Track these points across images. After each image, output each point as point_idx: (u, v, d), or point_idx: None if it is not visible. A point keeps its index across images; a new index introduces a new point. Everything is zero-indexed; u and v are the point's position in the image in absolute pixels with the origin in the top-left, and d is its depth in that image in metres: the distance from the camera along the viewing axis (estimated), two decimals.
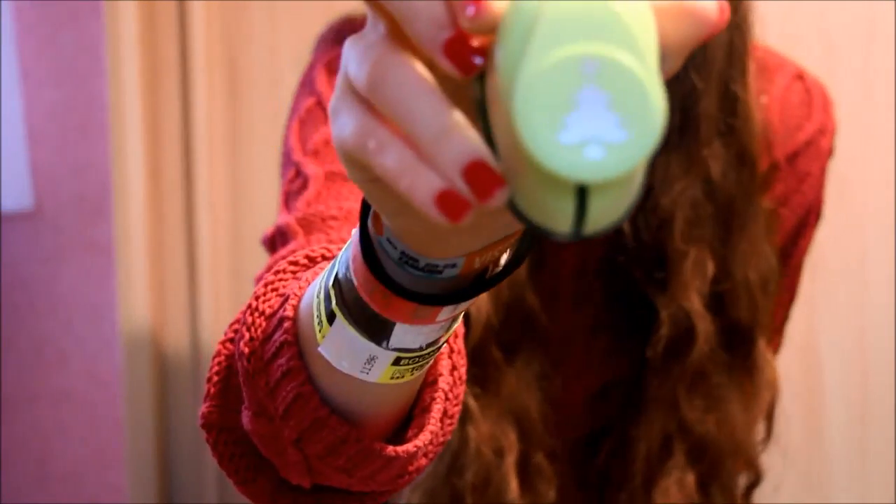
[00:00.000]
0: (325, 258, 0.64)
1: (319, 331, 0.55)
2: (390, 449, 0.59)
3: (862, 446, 1.48)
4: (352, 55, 0.43)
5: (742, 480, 1.00)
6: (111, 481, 1.53)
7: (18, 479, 1.53)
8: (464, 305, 0.52)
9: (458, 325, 0.62)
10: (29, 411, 1.52)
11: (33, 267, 1.50)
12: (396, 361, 0.54)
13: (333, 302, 0.53)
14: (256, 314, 0.61)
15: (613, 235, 0.91)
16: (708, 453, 0.95)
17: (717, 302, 0.93)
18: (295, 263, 0.64)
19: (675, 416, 0.94)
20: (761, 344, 0.96)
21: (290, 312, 0.58)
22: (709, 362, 0.93)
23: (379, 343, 0.53)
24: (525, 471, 0.95)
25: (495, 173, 0.40)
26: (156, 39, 1.44)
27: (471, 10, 0.39)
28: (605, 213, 0.39)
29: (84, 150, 1.48)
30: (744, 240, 0.93)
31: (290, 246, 0.77)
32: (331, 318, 0.54)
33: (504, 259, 0.52)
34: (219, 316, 1.48)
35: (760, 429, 1.01)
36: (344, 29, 0.96)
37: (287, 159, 0.91)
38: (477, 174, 0.40)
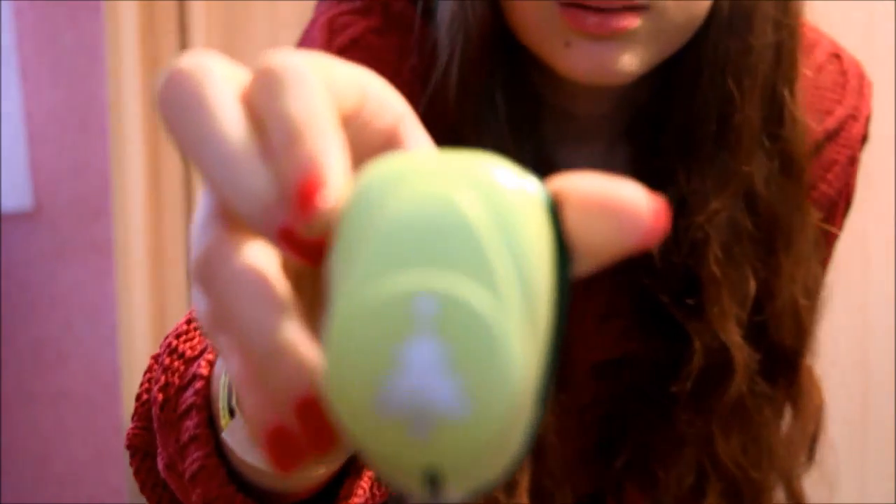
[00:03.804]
0: None
1: (223, 417, 0.48)
2: None
3: (862, 446, 1.48)
4: (196, 220, 0.35)
5: None
6: (111, 481, 1.53)
7: (18, 479, 1.53)
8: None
9: None
10: (29, 411, 1.52)
11: (33, 267, 1.50)
12: None
13: (234, 400, 0.46)
14: (175, 356, 0.54)
15: (640, 253, 0.85)
16: (745, 491, 0.89)
17: (760, 328, 0.87)
18: None
19: (709, 454, 0.87)
20: (807, 368, 0.90)
21: (204, 370, 0.51)
22: (748, 395, 0.87)
23: None
24: (540, 492, 0.91)
25: (330, 422, 0.31)
26: (156, 39, 1.44)
27: (303, 210, 0.30)
28: (467, 485, 0.30)
29: (84, 150, 1.48)
30: (790, 259, 0.86)
31: None
32: (233, 412, 0.46)
33: None
34: None
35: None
36: None
37: None
38: (311, 417, 0.31)
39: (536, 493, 0.90)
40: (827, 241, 0.96)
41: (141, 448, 0.59)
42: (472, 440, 0.28)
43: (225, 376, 0.48)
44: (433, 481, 0.29)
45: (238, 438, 0.47)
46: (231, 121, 0.33)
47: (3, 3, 1.44)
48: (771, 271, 0.86)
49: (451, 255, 0.29)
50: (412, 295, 0.28)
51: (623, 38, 0.77)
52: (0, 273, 1.49)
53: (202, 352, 0.54)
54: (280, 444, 0.32)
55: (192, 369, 0.52)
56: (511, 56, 0.83)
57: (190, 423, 0.51)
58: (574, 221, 0.32)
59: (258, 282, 0.32)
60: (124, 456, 1.50)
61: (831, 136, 0.92)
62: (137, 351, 1.46)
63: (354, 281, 0.29)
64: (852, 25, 1.41)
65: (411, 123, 0.37)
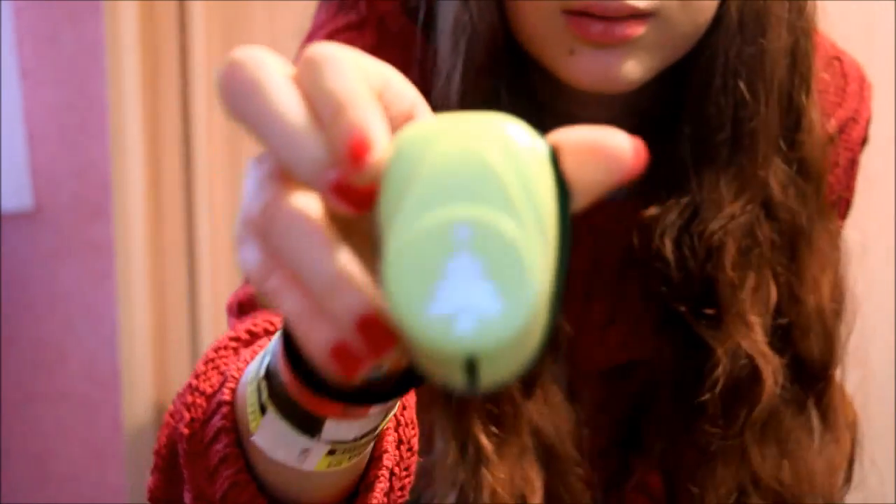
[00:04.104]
0: (267, 332, 0.63)
1: (253, 420, 0.53)
2: None
3: (862, 446, 1.48)
4: (248, 185, 0.41)
5: None
6: (111, 481, 1.53)
7: (18, 479, 1.53)
8: (396, 401, 0.50)
9: (408, 395, 0.60)
10: (29, 411, 1.52)
11: (33, 267, 1.50)
12: (331, 452, 0.52)
13: (265, 395, 0.51)
14: (197, 394, 0.59)
15: (655, 263, 0.82)
16: None
17: (786, 336, 0.84)
18: (236, 339, 0.63)
19: (746, 469, 0.84)
20: (836, 379, 0.87)
21: (227, 396, 0.57)
22: (781, 404, 0.84)
23: (311, 436, 0.51)
24: (553, 495, 0.89)
25: (388, 330, 0.37)
26: (156, 39, 1.44)
27: (354, 164, 0.37)
28: (498, 373, 0.37)
29: (84, 150, 1.48)
30: (814, 263, 0.84)
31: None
32: (263, 409, 0.52)
33: None
34: (219, 316, 1.48)
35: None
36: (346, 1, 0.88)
37: None
38: (369, 330, 0.38)
39: (550, 498, 0.88)
40: None
41: (162, 499, 0.64)
42: (503, 332, 0.35)
43: (252, 383, 0.53)
44: (471, 370, 0.36)
45: (268, 436, 0.52)
46: (287, 98, 0.40)
47: (2, 3, 1.44)
48: (794, 277, 0.84)
49: (480, 193, 0.36)
50: (451, 223, 0.36)
51: (627, 45, 0.77)
52: (0, 273, 1.49)
53: (221, 385, 0.58)
54: (343, 356, 0.38)
55: (216, 399, 0.57)
56: (515, 63, 0.82)
57: (219, 446, 0.56)
58: (570, 164, 0.39)
59: (316, 223, 0.39)
60: (124, 456, 1.49)
61: (832, 138, 0.91)
62: (137, 351, 1.46)
63: (405, 216, 0.36)
64: (852, 25, 1.41)
65: (423, 108, 0.44)
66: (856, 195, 1.42)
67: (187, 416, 0.59)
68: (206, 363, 0.61)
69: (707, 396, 0.82)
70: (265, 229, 0.40)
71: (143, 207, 1.44)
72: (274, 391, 0.51)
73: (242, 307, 0.75)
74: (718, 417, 0.83)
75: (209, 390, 0.59)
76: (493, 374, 0.37)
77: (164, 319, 1.48)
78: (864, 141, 0.94)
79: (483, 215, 0.36)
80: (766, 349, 0.81)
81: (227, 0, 1.44)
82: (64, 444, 1.53)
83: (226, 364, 0.61)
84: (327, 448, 0.52)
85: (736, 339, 0.81)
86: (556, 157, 0.39)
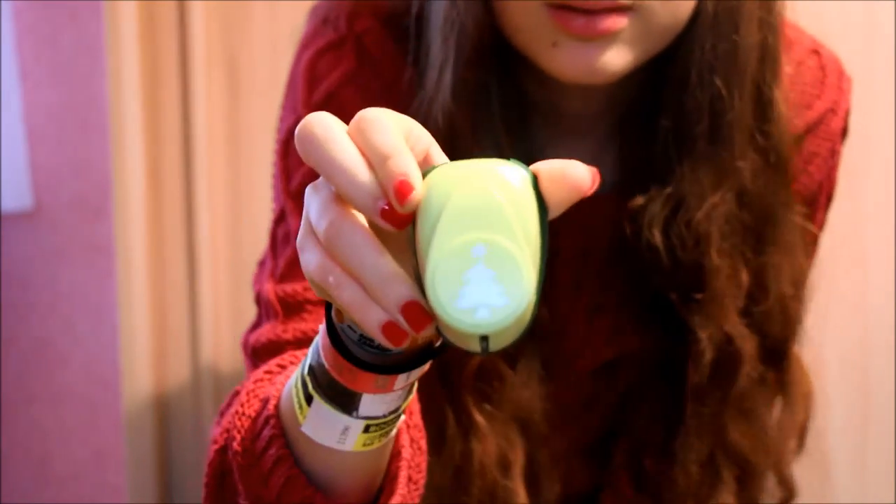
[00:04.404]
0: (292, 363, 0.78)
1: (300, 413, 0.66)
2: None
3: (862, 446, 1.48)
4: (312, 206, 0.56)
5: (775, 497, 0.97)
6: (111, 481, 1.53)
7: (18, 479, 1.53)
8: (415, 374, 0.62)
9: (413, 402, 0.75)
10: (29, 411, 1.52)
11: (33, 267, 1.50)
12: (366, 429, 0.65)
13: (310, 386, 0.64)
14: (244, 418, 0.72)
15: (645, 252, 0.88)
16: (751, 475, 0.92)
17: (754, 318, 0.90)
18: (269, 372, 0.77)
19: (721, 441, 0.91)
20: (796, 357, 0.92)
21: (272, 411, 0.70)
22: (754, 384, 0.90)
23: (350, 413, 0.64)
24: (532, 471, 0.94)
25: (426, 312, 0.52)
26: (156, 39, 1.44)
27: (400, 200, 0.52)
28: (503, 341, 0.53)
29: (84, 150, 1.48)
30: (779, 250, 0.89)
31: (269, 328, 0.87)
32: (309, 400, 0.65)
33: None
34: (219, 316, 1.48)
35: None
36: (329, 16, 0.92)
37: (275, 186, 0.92)
38: (412, 313, 0.53)
39: (531, 479, 0.93)
40: (811, 234, 0.97)
41: None
42: (508, 319, 0.51)
43: (296, 385, 0.66)
44: (484, 341, 0.52)
45: (314, 422, 0.65)
46: (348, 147, 0.55)
47: (2, 3, 1.44)
48: (762, 264, 0.89)
49: (490, 223, 0.52)
50: (472, 244, 0.52)
51: (609, 38, 0.80)
52: (0, 273, 1.49)
53: (264, 406, 0.71)
54: (392, 331, 0.53)
55: (262, 416, 0.71)
56: (503, 59, 0.85)
57: (272, 451, 0.70)
58: (545, 187, 0.54)
59: (371, 235, 0.54)
60: (125, 456, 1.49)
61: (811, 129, 0.93)
62: (138, 351, 1.47)
63: (439, 240, 0.52)
64: (852, 25, 1.41)
65: (436, 149, 0.58)
66: (855, 197, 1.42)
67: (238, 436, 0.72)
68: (248, 393, 0.74)
69: (694, 378, 0.89)
70: (330, 239, 0.54)
71: (143, 207, 1.44)
72: (317, 382, 0.64)
73: (257, 354, 0.86)
74: (700, 396, 0.90)
75: (253, 413, 0.72)
76: (499, 342, 0.53)
77: (164, 319, 1.48)
78: (844, 132, 0.96)
79: (493, 238, 0.52)
80: (744, 330, 0.89)
81: (227, 0, 1.44)
82: (64, 445, 1.53)
83: (264, 392, 0.74)
84: (363, 425, 0.64)
85: (719, 321, 0.88)
86: (536, 182, 0.54)
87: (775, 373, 0.92)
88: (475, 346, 0.53)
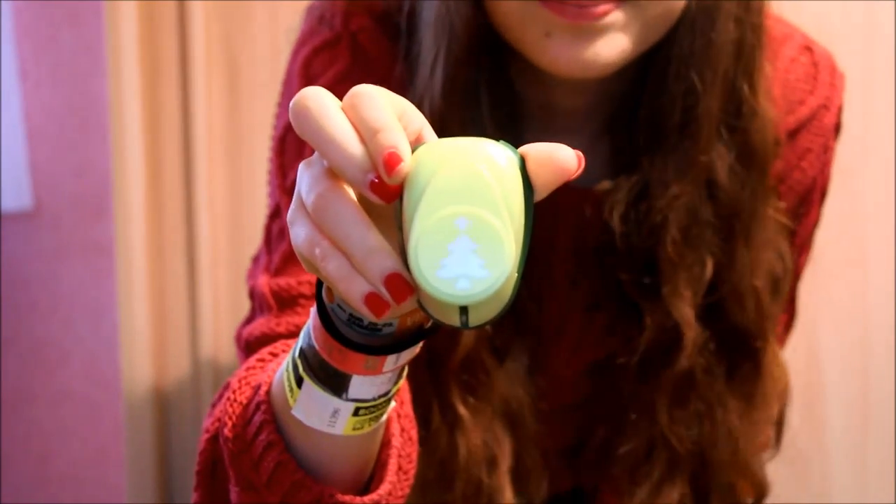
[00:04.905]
0: (284, 352, 0.78)
1: (291, 396, 0.66)
2: (358, 500, 0.70)
3: (862, 446, 1.48)
4: (303, 180, 0.57)
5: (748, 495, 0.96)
6: (111, 481, 1.53)
7: (18, 479, 1.53)
8: (404, 356, 0.63)
9: (405, 392, 0.76)
10: (29, 411, 1.52)
11: (33, 267, 1.50)
12: (356, 412, 0.65)
13: (301, 369, 0.65)
14: (236, 404, 0.73)
15: (604, 235, 0.89)
16: (696, 465, 0.91)
17: (717, 309, 0.90)
18: (261, 360, 0.77)
19: (656, 426, 0.91)
20: (770, 350, 0.92)
21: (264, 397, 0.70)
22: (698, 372, 0.90)
23: (339, 396, 0.64)
24: (520, 468, 0.94)
25: (408, 284, 0.53)
26: (156, 39, 1.44)
27: (388, 172, 0.53)
28: (483, 316, 0.54)
29: (84, 150, 1.48)
30: (749, 245, 0.89)
31: (263, 321, 0.87)
32: (299, 382, 0.65)
33: None
34: (219, 316, 1.48)
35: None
36: (325, 15, 0.93)
37: (270, 182, 0.93)
38: (394, 284, 0.53)
39: (518, 477, 0.94)
40: (805, 230, 0.98)
41: None
42: (487, 291, 0.51)
43: (287, 369, 0.66)
44: (464, 313, 0.53)
45: (304, 404, 0.66)
46: (340, 120, 0.55)
47: (2, 3, 1.44)
48: (728, 257, 0.89)
49: (474, 197, 0.53)
50: (455, 217, 0.52)
51: (601, 30, 0.80)
52: (0, 273, 1.49)
53: (255, 392, 0.72)
54: (375, 303, 0.54)
55: (254, 402, 0.71)
56: (494, 55, 0.86)
57: (263, 437, 0.70)
58: (532, 169, 0.55)
59: (358, 208, 0.55)
60: (125, 456, 1.49)
61: (804, 124, 0.94)
62: (138, 351, 1.47)
63: (423, 211, 0.52)
64: (852, 25, 1.41)
65: (429, 130, 0.59)
66: (855, 196, 1.42)
67: (229, 423, 0.72)
68: (239, 381, 0.74)
69: (629, 358, 0.90)
70: (318, 211, 0.55)
71: (143, 207, 1.44)
72: (308, 364, 0.64)
73: (250, 347, 0.86)
74: (636, 376, 0.91)
75: (245, 400, 0.73)
76: (478, 317, 0.54)
77: (164, 319, 1.48)
78: (837, 128, 0.96)
79: (476, 212, 0.52)
80: (691, 319, 0.89)
81: (228, 0, 1.45)
82: (64, 445, 1.53)
83: (256, 379, 0.74)
84: (353, 408, 0.65)
85: (667, 307, 0.89)
86: (523, 163, 0.55)
87: (745, 367, 0.92)
88: (455, 319, 0.54)
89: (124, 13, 1.41)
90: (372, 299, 0.54)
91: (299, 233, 0.57)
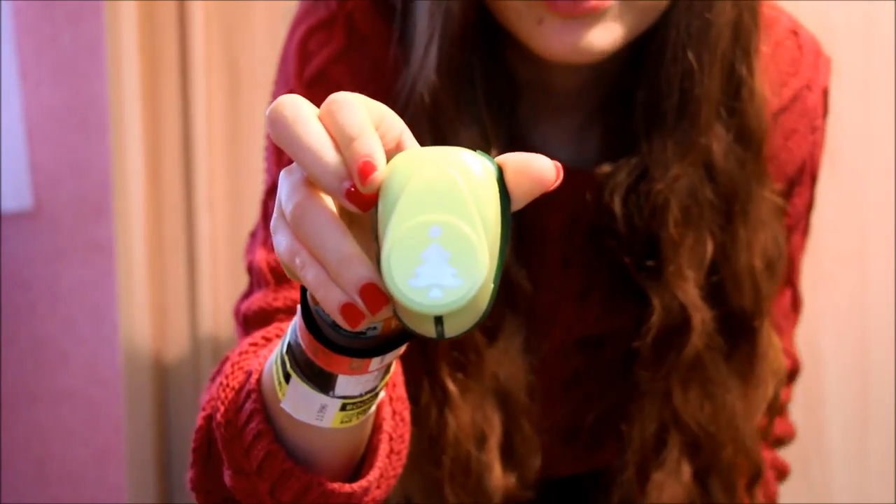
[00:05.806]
0: (277, 336, 0.79)
1: (280, 390, 0.67)
2: (347, 486, 0.71)
3: (862, 446, 1.48)
4: (283, 188, 0.57)
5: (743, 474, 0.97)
6: (111, 481, 1.53)
7: (18, 479, 1.53)
8: (390, 357, 0.63)
9: (397, 375, 0.76)
10: (29, 411, 1.52)
11: (33, 267, 1.50)
12: (343, 407, 0.66)
13: (288, 365, 0.66)
14: (228, 389, 0.74)
15: (603, 217, 0.89)
16: (704, 446, 0.92)
17: (718, 290, 0.91)
18: (255, 345, 0.78)
19: (669, 408, 0.92)
20: (765, 331, 0.93)
21: (254, 385, 0.71)
22: (706, 353, 0.91)
23: (326, 393, 0.65)
24: (510, 445, 0.94)
25: (383, 294, 0.53)
26: (156, 39, 1.44)
27: (363, 180, 0.53)
28: (458, 326, 0.54)
29: (84, 150, 1.48)
30: (746, 225, 0.90)
31: (260, 296, 0.88)
32: (287, 378, 0.66)
33: None
34: (219, 316, 1.48)
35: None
36: None
37: (267, 159, 0.94)
38: (369, 294, 0.53)
39: (508, 455, 0.94)
40: (795, 210, 0.98)
41: (202, 487, 0.78)
42: (461, 300, 0.51)
43: (276, 363, 0.67)
44: (439, 323, 0.53)
45: (293, 399, 0.66)
46: (316, 129, 0.55)
47: (3, 3, 1.44)
48: (728, 237, 0.90)
49: (447, 206, 0.52)
50: (428, 225, 0.52)
51: (595, 16, 0.81)
52: (0, 273, 1.49)
53: (247, 378, 0.72)
54: (350, 312, 0.54)
55: (245, 390, 0.72)
56: (488, 38, 0.87)
57: (253, 426, 0.70)
58: (510, 178, 0.55)
59: (334, 217, 0.55)
60: (125, 456, 1.49)
61: (787, 106, 0.94)
62: (138, 351, 1.47)
63: (397, 219, 0.52)
64: (852, 25, 1.41)
65: (409, 136, 0.59)
66: (855, 195, 1.42)
67: (221, 408, 0.73)
68: (232, 365, 0.75)
69: (642, 342, 0.90)
70: (296, 220, 0.55)
71: (143, 207, 1.44)
72: (295, 361, 0.65)
73: (248, 321, 0.87)
74: (650, 361, 0.91)
75: (237, 385, 0.73)
76: (454, 327, 0.54)
77: (164, 319, 1.48)
78: (824, 110, 0.97)
79: (450, 220, 0.52)
80: (698, 300, 0.89)
81: (228, 0, 1.45)
82: (64, 445, 1.53)
83: (248, 364, 0.75)
84: (339, 404, 0.65)
85: (672, 289, 0.89)
86: (501, 173, 0.55)
87: (742, 347, 0.93)
88: (430, 330, 0.53)
89: (124, 13, 1.41)
90: (347, 309, 0.54)
91: (280, 241, 0.57)
